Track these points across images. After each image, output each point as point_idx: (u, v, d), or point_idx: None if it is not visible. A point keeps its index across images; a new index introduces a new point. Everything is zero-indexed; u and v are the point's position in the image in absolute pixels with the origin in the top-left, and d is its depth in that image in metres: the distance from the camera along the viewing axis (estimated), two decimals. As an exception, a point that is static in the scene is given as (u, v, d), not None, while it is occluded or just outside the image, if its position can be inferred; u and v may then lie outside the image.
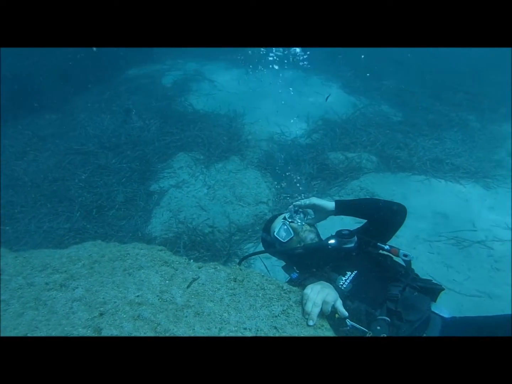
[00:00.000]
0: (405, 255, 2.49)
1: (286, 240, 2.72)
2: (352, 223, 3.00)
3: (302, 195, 3.14)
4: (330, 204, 2.73)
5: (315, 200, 2.74)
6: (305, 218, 2.84)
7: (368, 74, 11.34)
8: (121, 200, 6.38)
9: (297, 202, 2.79)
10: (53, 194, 6.58)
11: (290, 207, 2.88)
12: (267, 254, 3.19)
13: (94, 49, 9.02)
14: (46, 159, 7.49)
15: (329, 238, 2.63)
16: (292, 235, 2.72)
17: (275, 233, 2.79)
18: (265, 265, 5.05)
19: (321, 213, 2.79)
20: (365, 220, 2.87)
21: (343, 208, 2.75)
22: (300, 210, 2.87)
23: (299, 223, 2.78)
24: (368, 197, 6.22)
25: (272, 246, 2.92)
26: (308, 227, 2.79)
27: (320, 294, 1.92)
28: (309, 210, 2.90)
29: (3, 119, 8.44)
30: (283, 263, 2.89)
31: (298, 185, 6.37)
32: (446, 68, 11.98)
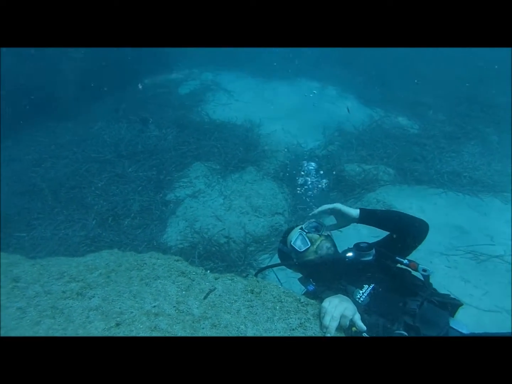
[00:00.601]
0: (424, 270, 2.47)
1: (302, 250, 2.71)
2: (368, 236, 2.96)
3: (315, 207, 3.14)
4: (354, 212, 2.72)
5: (339, 206, 2.72)
6: (322, 230, 2.82)
7: (383, 86, 11.33)
8: (137, 209, 6.39)
9: (321, 207, 2.78)
10: (69, 202, 6.61)
11: (310, 220, 2.88)
12: (282, 266, 3.15)
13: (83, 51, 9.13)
14: (63, 166, 7.52)
15: (347, 251, 2.63)
16: (309, 245, 2.70)
17: (291, 243, 2.79)
18: (277, 277, 5.02)
19: (344, 220, 2.79)
20: (385, 233, 2.84)
21: (367, 217, 2.74)
22: (317, 222, 2.87)
23: (315, 233, 2.77)
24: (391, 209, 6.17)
25: (288, 257, 2.90)
26: (324, 238, 2.76)
27: (338, 308, 1.91)
28: (326, 223, 2.89)
29: (20, 126, 8.53)
30: (299, 275, 2.87)
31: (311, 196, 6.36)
32: (459, 76, 11.90)
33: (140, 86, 10.76)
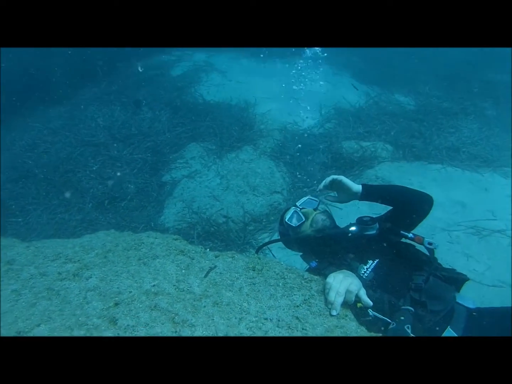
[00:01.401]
0: (430, 243, 2.42)
1: (297, 225, 2.70)
2: (369, 213, 2.92)
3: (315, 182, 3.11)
4: (356, 187, 2.65)
5: (343, 178, 2.63)
6: (317, 206, 2.86)
7: (379, 64, 11.28)
8: (133, 191, 6.33)
9: (326, 179, 2.68)
10: (64, 186, 6.54)
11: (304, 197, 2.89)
12: (285, 248, 3.12)
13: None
14: (56, 151, 7.44)
15: (350, 225, 2.59)
16: (303, 219, 2.69)
17: (286, 219, 2.78)
18: (273, 254, 4.99)
19: (346, 194, 2.71)
20: (387, 209, 2.79)
21: (370, 192, 2.67)
22: (311, 198, 2.91)
23: (309, 208, 2.80)
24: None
25: (287, 234, 2.89)
26: (319, 212, 2.76)
27: (343, 283, 1.87)
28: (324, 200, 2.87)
29: (12, 112, 8.44)
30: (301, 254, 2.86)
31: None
32: (459, 58, 11.83)
33: (140, 69, 10.63)
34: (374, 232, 2.53)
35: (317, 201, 2.90)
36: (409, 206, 2.63)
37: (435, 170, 6.82)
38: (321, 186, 2.69)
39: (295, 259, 3.00)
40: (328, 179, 2.65)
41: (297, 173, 6.61)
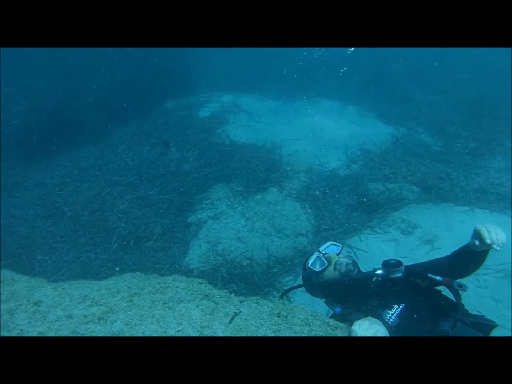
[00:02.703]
0: (460, 285, 2.39)
1: (320, 270, 2.70)
2: (395, 256, 2.88)
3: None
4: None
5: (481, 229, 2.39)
6: (340, 251, 2.86)
7: (404, 103, 11.31)
8: (159, 232, 6.37)
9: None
10: (91, 225, 6.63)
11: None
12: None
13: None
14: (86, 190, 7.58)
15: (376, 269, 2.55)
16: (326, 264, 2.70)
17: (309, 264, 2.79)
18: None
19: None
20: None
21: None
22: (334, 243, 2.92)
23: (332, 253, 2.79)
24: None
25: (310, 280, 2.88)
26: (342, 256, 2.76)
27: (369, 331, 1.86)
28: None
29: (44, 151, 8.65)
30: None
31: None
32: (485, 92, 11.80)
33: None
34: (400, 275, 2.52)
35: (339, 246, 2.90)
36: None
37: (462, 212, 6.72)
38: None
39: (320, 303, 2.97)
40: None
41: (322, 215, 6.59)
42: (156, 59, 11.06)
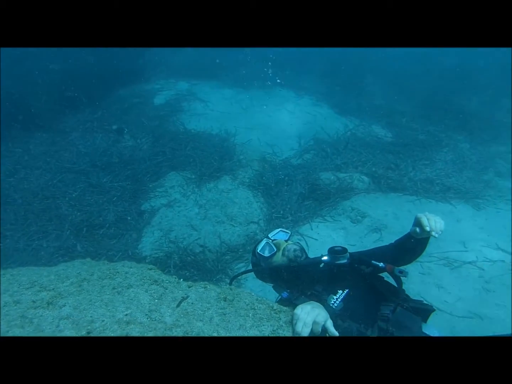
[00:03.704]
0: (401, 272, 2.50)
1: (268, 255, 2.77)
2: (344, 245, 2.99)
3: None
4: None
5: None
6: (288, 237, 2.95)
7: (358, 95, 11.51)
8: (112, 219, 6.34)
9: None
10: (43, 212, 6.52)
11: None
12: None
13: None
14: (37, 177, 7.43)
15: (322, 256, 2.65)
16: (275, 250, 2.77)
17: (258, 250, 2.86)
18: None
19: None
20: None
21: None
22: (283, 230, 3.01)
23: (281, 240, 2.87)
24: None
25: (259, 265, 2.94)
26: (291, 242, 2.83)
27: (311, 314, 1.93)
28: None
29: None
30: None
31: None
32: (437, 86, 12.14)
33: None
34: (345, 261, 2.61)
35: (288, 233, 2.98)
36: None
37: (410, 202, 6.96)
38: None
39: (270, 290, 3.05)
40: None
41: (274, 203, 6.70)
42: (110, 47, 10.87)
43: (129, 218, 6.42)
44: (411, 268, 5.26)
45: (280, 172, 7.57)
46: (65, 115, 9.82)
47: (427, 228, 2.38)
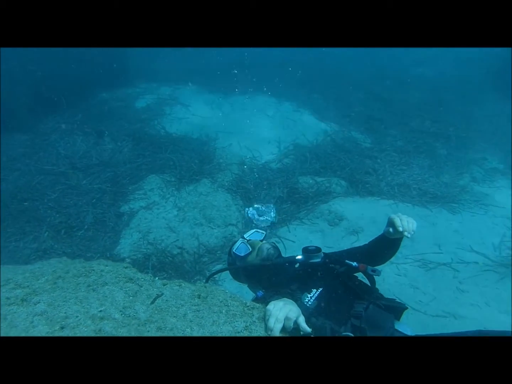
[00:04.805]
0: (373, 270, 2.57)
1: (244, 254, 2.81)
2: (321, 247, 3.04)
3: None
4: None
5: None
6: (263, 237, 3.01)
7: (338, 101, 11.62)
8: (91, 221, 6.33)
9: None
10: (21, 214, 6.47)
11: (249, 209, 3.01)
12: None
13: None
14: (15, 179, 7.37)
15: (296, 255, 2.70)
16: (250, 250, 2.81)
17: (233, 250, 2.91)
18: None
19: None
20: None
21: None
22: (258, 230, 3.07)
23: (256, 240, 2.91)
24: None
25: (234, 265, 2.98)
26: (265, 242, 2.88)
27: (283, 310, 1.96)
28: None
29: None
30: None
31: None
32: (415, 97, 12.32)
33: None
34: (319, 260, 2.66)
35: (263, 233, 3.03)
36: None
37: (387, 206, 7.05)
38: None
39: (247, 291, 3.09)
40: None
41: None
42: (92, 50, 10.83)
43: (107, 220, 6.40)
44: (387, 270, 5.41)
45: (259, 176, 7.61)
46: (45, 117, 9.73)
47: (400, 228, 2.45)
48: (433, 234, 6.32)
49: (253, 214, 3.14)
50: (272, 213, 3.23)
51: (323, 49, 13.62)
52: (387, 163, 8.44)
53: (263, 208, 3.24)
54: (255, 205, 3.13)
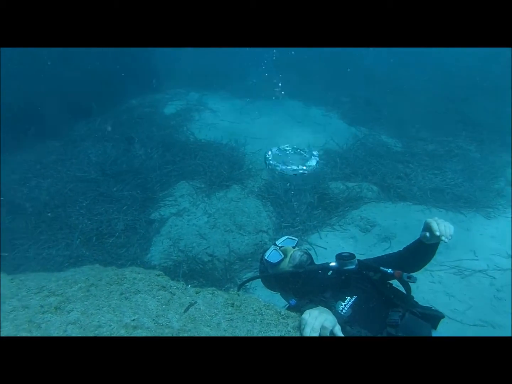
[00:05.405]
0: (409, 277, 2.50)
1: (276, 262, 2.77)
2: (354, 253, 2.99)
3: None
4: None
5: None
6: (296, 244, 2.96)
7: (367, 105, 11.50)
8: (121, 228, 6.36)
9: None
10: (53, 221, 6.56)
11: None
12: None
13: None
14: (48, 186, 7.50)
15: (329, 262, 2.65)
16: (282, 256, 2.77)
17: (265, 257, 2.86)
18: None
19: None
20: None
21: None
22: (290, 237, 3.01)
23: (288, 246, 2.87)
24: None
25: (266, 272, 2.95)
26: (297, 249, 2.84)
27: (318, 319, 1.90)
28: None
29: (6, 146, 8.50)
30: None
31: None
32: (444, 95, 12.10)
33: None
34: (353, 267, 2.60)
35: (295, 240, 2.99)
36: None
37: (419, 211, 6.93)
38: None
39: (279, 299, 3.05)
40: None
41: (283, 212, 6.69)
42: (122, 56, 10.99)
43: (138, 227, 6.43)
44: (421, 277, 5.28)
45: (289, 182, 7.57)
46: (77, 123, 9.91)
47: (437, 233, 2.37)
48: (468, 240, 6.18)
49: (275, 162, 3.05)
50: (311, 160, 3.12)
51: (348, 49, 13.53)
52: (419, 168, 8.31)
53: (293, 153, 3.13)
54: (280, 147, 3.01)
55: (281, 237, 3.07)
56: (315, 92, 12.12)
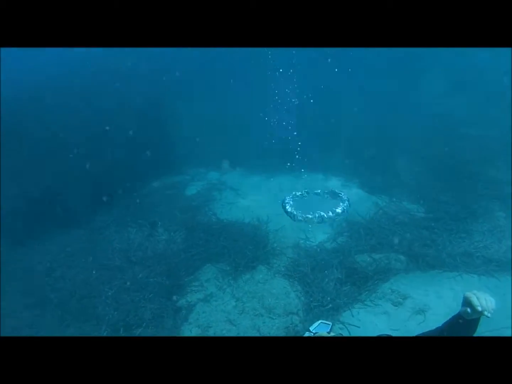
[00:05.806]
0: None
1: None
2: (386, 329, 2.88)
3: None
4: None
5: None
6: (330, 329, 2.92)
7: (385, 172, 11.52)
8: (149, 317, 6.31)
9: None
10: (79, 313, 6.55)
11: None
12: None
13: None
14: (73, 275, 7.56)
15: None
16: None
17: None
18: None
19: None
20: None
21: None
22: (324, 322, 2.99)
23: (323, 332, 2.83)
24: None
25: None
26: (333, 334, 2.79)
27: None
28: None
29: (31, 236, 8.65)
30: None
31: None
32: (459, 154, 12.04)
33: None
34: None
35: (329, 324, 2.95)
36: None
37: (451, 278, 6.77)
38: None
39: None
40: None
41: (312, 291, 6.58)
42: (141, 139, 11.31)
43: (165, 315, 6.36)
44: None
45: (314, 258, 7.49)
46: (100, 210, 10.08)
47: (479, 308, 2.29)
48: (506, 306, 5.94)
49: (292, 209, 2.99)
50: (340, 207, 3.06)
51: (364, 117, 13.76)
52: (444, 232, 8.17)
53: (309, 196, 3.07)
54: (297, 193, 2.96)
55: (315, 321, 3.02)
56: (334, 160, 12.18)
